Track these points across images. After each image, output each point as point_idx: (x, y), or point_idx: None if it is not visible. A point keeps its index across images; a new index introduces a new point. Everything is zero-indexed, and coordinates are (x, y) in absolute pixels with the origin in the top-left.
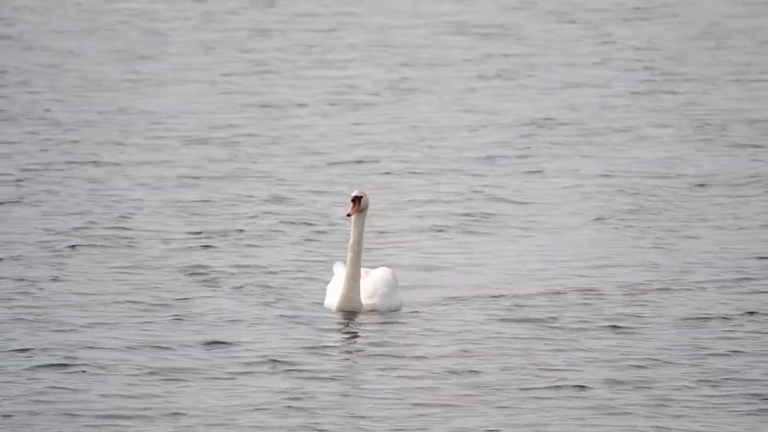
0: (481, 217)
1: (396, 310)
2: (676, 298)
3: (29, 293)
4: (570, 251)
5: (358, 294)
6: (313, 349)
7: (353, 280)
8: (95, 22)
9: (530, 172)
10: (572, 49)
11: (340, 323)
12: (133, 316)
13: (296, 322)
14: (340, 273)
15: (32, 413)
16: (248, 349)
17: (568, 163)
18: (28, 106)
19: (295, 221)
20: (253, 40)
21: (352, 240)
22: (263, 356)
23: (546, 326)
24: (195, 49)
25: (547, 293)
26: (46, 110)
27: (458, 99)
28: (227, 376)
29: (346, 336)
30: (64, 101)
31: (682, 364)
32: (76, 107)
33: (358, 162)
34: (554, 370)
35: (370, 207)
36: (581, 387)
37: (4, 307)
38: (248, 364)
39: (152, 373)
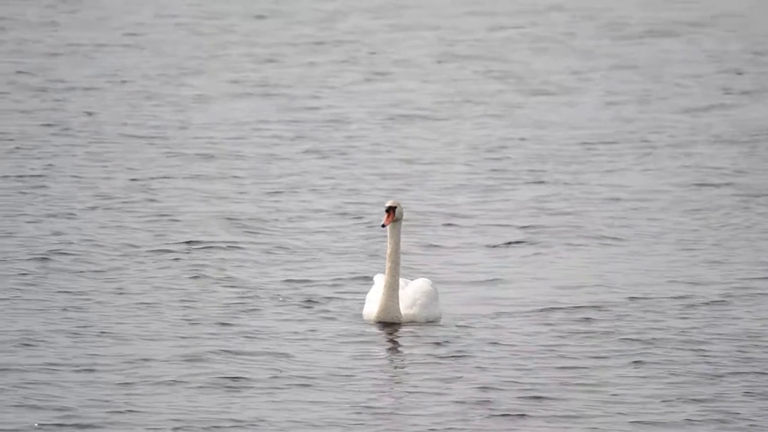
0: (535, 230)
1: (435, 321)
2: (734, 311)
3: (83, 307)
4: (624, 265)
5: (397, 303)
6: (369, 361)
7: (392, 289)
8: (145, 37)
9: (583, 185)
10: (625, 63)
11: (390, 335)
12: (185, 328)
13: (350, 334)
14: (379, 283)
15: (95, 426)
16: (304, 362)
17: (620, 177)
18: (81, 120)
19: (347, 234)
20: (305, 54)
21: (389, 250)
22: (319, 369)
23: (600, 339)
24: (248, 64)
25: (601, 307)
26: (99, 124)
27: (511, 112)
28: (285, 388)
29: (398, 348)
30: (115, 115)
31: (741, 374)
32: (128, 121)
33: (411, 175)
34: (611, 384)
35: (406, 216)
36: (640, 402)
37: (63, 319)
38: (305, 377)
39: (210, 386)
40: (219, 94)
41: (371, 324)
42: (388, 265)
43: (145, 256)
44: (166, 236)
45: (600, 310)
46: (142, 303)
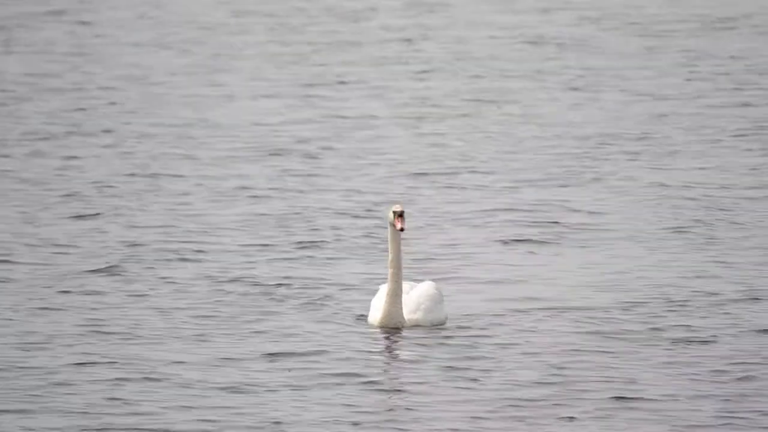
0: (555, 228)
1: (440, 325)
2: (753, 309)
3: (100, 308)
4: (643, 262)
5: (401, 309)
6: (378, 365)
7: (395, 295)
8: (171, 36)
9: (604, 183)
10: (648, 61)
11: (397, 339)
12: (197, 330)
13: (362, 336)
14: (384, 288)
15: (114, 429)
16: (314, 364)
17: (642, 174)
18: (105, 119)
19: (368, 233)
20: (326, 52)
21: (391, 257)
22: (331, 371)
23: (619, 338)
24: (270, 62)
25: (619, 305)
26: (124, 123)
27: (533, 111)
28: (294, 390)
29: (406, 351)
30: (139, 114)
31: (761, 376)
32: (151, 121)
33: (430, 174)
34: (635, 383)
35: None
36: (665, 401)
37: (83, 321)
38: (315, 379)
39: (220, 388)
40: (240, 94)
41: (376, 330)
42: (390, 271)
43: (158, 257)
44: (183, 236)
45: (617, 309)
46: (155, 305)
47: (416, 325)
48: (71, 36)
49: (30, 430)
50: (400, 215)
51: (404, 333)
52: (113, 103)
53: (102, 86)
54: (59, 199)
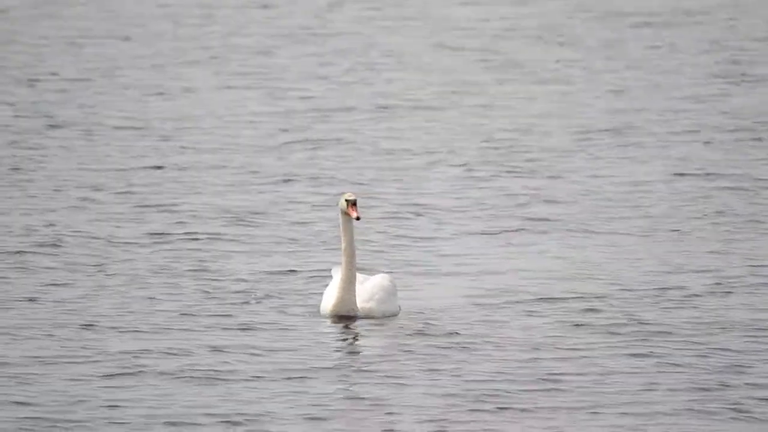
0: (525, 221)
1: (393, 316)
2: (727, 303)
3: (79, 301)
4: (614, 255)
5: (354, 296)
6: (347, 355)
7: (349, 282)
8: (139, 28)
9: (574, 175)
10: (619, 53)
11: (353, 329)
12: (159, 321)
13: (325, 327)
14: (336, 277)
15: (77, 422)
16: (274, 355)
17: (612, 166)
18: (76, 113)
19: (335, 225)
20: (299, 45)
21: (343, 245)
22: (286, 362)
23: (590, 331)
24: (236, 54)
25: (590, 297)
26: (94, 116)
27: (502, 102)
28: (255, 381)
29: (364, 342)
30: (111, 108)
31: (746, 368)
32: (122, 114)
33: (399, 165)
34: (605, 374)
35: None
36: (631, 392)
37: (45, 312)
38: (285, 369)
39: (181, 380)
40: (211, 86)
41: (328, 317)
42: (344, 259)
43: (120, 248)
44: (146, 228)
45: (591, 302)
46: (115, 296)
47: (368, 315)
48: (37, 27)
49: None
50: (353, 204)
51: (369, 324)
52: (78, 96)
53: (65, 78)
54: (27, 190)
